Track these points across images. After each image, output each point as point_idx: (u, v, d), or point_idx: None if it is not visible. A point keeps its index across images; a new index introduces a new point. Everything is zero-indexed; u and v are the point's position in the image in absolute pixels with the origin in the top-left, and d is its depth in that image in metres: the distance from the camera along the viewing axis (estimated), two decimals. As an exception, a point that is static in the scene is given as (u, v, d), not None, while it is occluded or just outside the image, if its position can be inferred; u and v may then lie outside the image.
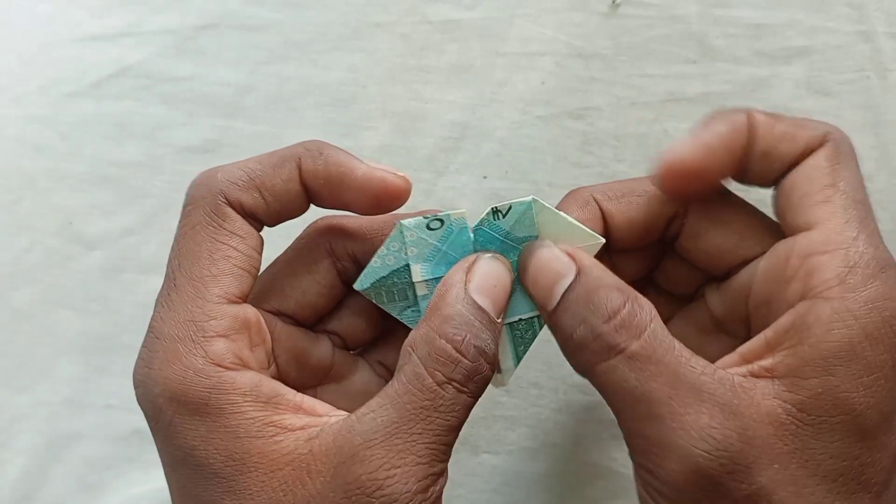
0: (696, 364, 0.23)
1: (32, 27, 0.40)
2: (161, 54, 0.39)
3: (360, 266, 0.28)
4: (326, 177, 0.26)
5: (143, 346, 0.25)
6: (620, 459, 0.36)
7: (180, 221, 0.26)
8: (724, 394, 0.22)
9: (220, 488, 0.23)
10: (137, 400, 0.25)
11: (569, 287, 0.25)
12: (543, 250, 0.26)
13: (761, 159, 0.25)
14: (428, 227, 0.27)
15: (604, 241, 0.27)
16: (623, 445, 0.36)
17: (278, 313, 0.28)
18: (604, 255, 0.28)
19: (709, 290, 0.29)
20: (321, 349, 0.29)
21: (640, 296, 0.24)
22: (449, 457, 0.24)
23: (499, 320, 0.25)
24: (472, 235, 0.27)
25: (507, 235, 0.27)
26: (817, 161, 0.25)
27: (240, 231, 0.25)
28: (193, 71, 0.39)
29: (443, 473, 0.24)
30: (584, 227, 0.27)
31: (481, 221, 0.27)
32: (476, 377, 0.24)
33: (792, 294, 0.24)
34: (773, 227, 0.27)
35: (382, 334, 0.31)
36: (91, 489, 0.37)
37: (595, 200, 0.27)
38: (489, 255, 0.26)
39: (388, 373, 0.30)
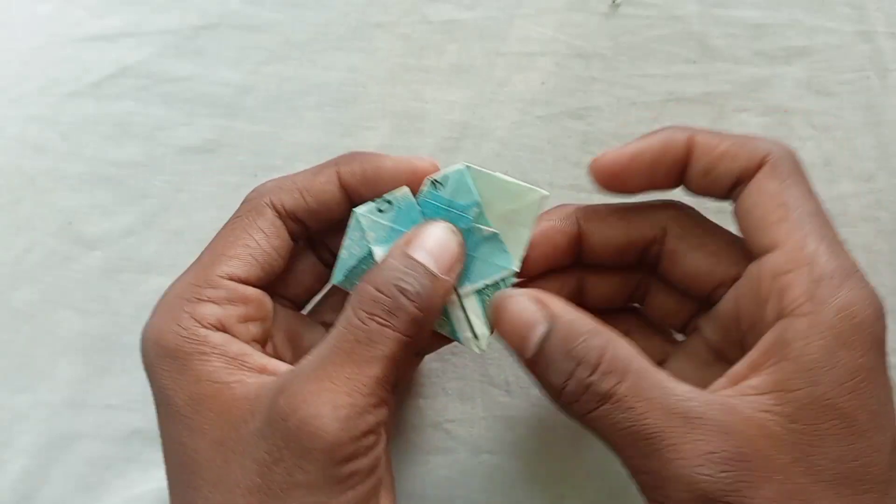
0: (682, 392, 0.24)
1: (32, 27, 0.40)
2: (161, 54, 0.39)
3: (331, 251, 0.31)
4: (362, 172, 0.29)
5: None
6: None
7: (232, 215, 0.29)
8: (714, 415, 0.23)
9: (180, 425, 0.26)
10: (140, 350, 0.28)
11: (544, 336, 0.25)
12: (512, 300, 0.27)
13: (703, 176, 0.27)
14: (379, 211, 0.29)
15: (546, 193, 0.28)
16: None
17: (275, 294, 0.30)
18: (581, 277, 0.30)
19: (703, 321, 0.29)
20: (313, 334, 0.31)
21: (615, 336, 0.25)
22: (379, 394, 0.25)
23: (444, 276, 0.27)
24: (419, 209, 0.28)
25: (451, 204, 0.28)
26: (764, 183, 0.26)
27: (267, 228, 0.28)
28: (193, 71, 0.39)
29: (370, 409, 0.24)
30: (521, 182, 0.28)
31: (424, 194, 0.28)
32: (398, 311, 0.25)
33: (770, 314, 0.24)
34: (746, 249, 0.27)
35: (329, 293, 0.33)
36: (91, 489, 0.37)
37: (576, 217, 0.29)
38: (434, 222, 0.28)
39: None
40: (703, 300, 0.29)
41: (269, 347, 0.30)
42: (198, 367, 0.26)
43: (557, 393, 0.25)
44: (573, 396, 0.24)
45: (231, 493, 0.24)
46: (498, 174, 0.28)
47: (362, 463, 0.24)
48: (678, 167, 0.27)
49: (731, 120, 0.38)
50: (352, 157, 0.29)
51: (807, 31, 0.38)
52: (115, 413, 0.38)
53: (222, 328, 0.27)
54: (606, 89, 0.38)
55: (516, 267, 0.28)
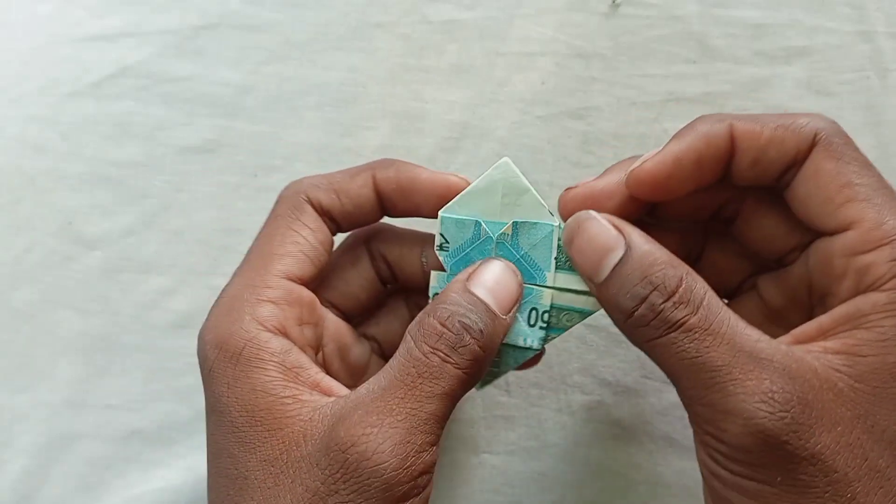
0: (752, 333, 0.24)
1: (32, 27, 0.40)
2: (161, 54, 0.39)
3: (391, 267, 0.31)
4: (398, 181, 0.29)
5: (212, 307, 0.28)
6: (620, 459, 0.36)
7: (270, 213, 0.29)
8: (782, 359, 0.23)
9: (233, 437, 0.25)
10: (197, 351, 0.27)
11: (619, 261, 0.25)
12: (591, 222, 0.26)
13: (751, 167, 0.26)
14: (458, 224, 0.29)
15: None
16: (622, 445, 0.37)
17: (328, 304, 0.30)
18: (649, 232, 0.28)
19: (763, 281, 0.29)
20: (361, 349, 0.31)
21: (691, 269, 0.25)
22: (436, 432, 0.25)
23: (503, 316, 0.27)
24: (494, 244, 0.28)
25: (525, 258, 0.28)
26: (820, 165, 0.25)
27: (312, 224, 0.28)
28: (193, 71, 0.39)
29: (427, 448, 0.24)
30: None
31: (501, 236, 0.28)
32: (460, 348, 0.25)
33: (845, 291, 0.25)
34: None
35: (382, 311, 0.33)
36: (91, 489, 0.37)
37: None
38: (500, 261, 0.28)
39: (381, 349, 0.32)
40: (771, 262, 0.29)
41: (319, 357, 0.30)
42: (255, 376, 0.25)
43: (626, 317, 0.25)
44: (642, 321, 0.24)
45: None
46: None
47: (415, 502, 0.24)
48: (724, 162, 0.26)
49: (731, 120, 0.38)
50: (389, 163, 0.29)
51: (807, 31, 0.38)
52: (115, 413, 0.38)
53: (282, 331, 0.26)
54: (606, 89, 0.38)
55: (538, 344, 0.28)
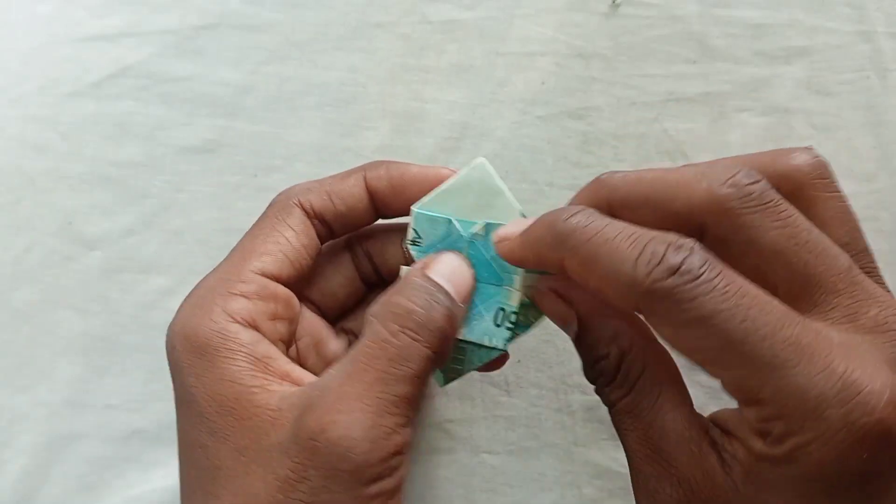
0: (670, 421, 0.24)
1: (32, 27, 0.40)
2: (161, 54, 0.39)
3: (374, 263, 0.31)
4: (389, 178, 0.29)
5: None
6: (620, 459, 0.36)
7: (261, 215, 0.29)
8: (680, 460, 0.24)
9: (203, 427, 0.25)
10: (166, 342, 0.27)
11: (576, 336, 0.27)
12: (544, 296, 0.28)
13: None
14: (430, 219, 0.29)
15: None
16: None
17: (305, 299, 0.30)
18: None
19: None
20: (338, 343, 0.31)
21: (636, 343, 0.26)
22: (407, 413, 0.24)
23: (460, 303, 0.27)
24: (467, 243, 0.28)
25: (495, 259, 0.28)
26: (656, 328, 0.23)
27: (296, 227, 0.28)
28: (193, 71, 0.39)
29: (397, 429, 0.24)
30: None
31: (474, 235, 0.28)
32: (430, 325, 0.25)
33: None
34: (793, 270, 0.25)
35: (361, 308, 0.33)
36: (91, 489, 0.37)
37: (608, 209, 0.26)
38: (451, 252, 0.28)
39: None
40: None
41: (292, 350, 0.30)
42: (223, 366, 0.25)
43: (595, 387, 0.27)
44: (598, 393, 0.26)
45: None
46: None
47: (388, 483, 0.24)
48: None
49: (731, 120, 0.38)
50: (378, 163, 0.30)
51: (807, 31, 0.38)
52: (115, 413, 0.38)
53: (252, 324, 0.27)
54: (606, 89, 0.38)
55: (503, 345, 0.29)
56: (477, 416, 0.37)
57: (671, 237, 0.22)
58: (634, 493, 0.25)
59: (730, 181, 0.23)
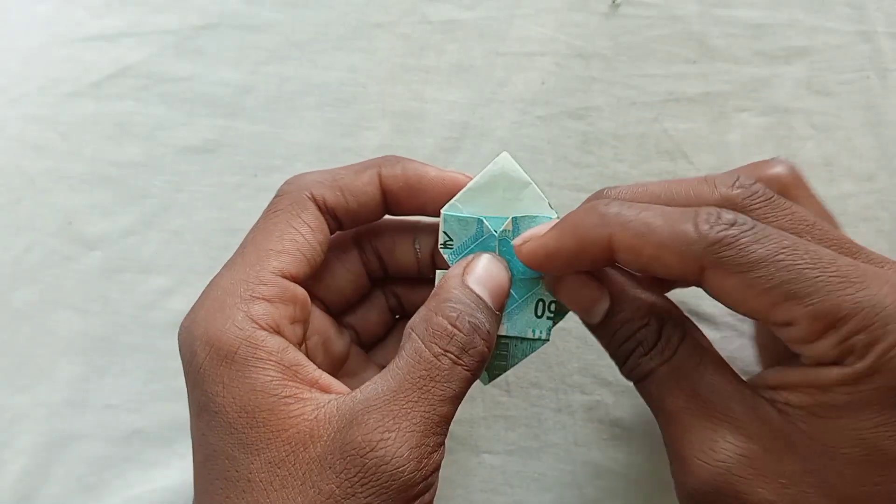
0: (716, 381, 0.25)
1: (32, 27, 0.40)
2: (161, 54, 0.39)
3: (382, 260, 0.31)
4: (405, 179, 0.28)
5: (198, 298, 0.27)
6: (620, 459, 0.36)
7: (268, 207, 0.28)
8: (735, 411, 0.24)
9: (231, 438, 0.24)
10: (179, 344, 0.26)
11: (608, 312, 0.27)
12: (571, 278, 0.27)
13: (638, 270, 0.27)
14: (459, 221, 0.29)
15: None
16: (622, 445, 0.37)
17: (314, 296, 0.30)
18: None
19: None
20: (342, 340, 0.31)
21: (671, 313, 0.26)
22: (445, 432, 0.25)
23: (497, 311, 0.27)
24: (497, 242, 0.28)
25: None
26: (724, 284, 0.24)
27: (312, 223, 0.28)
28: (193, 71, 0.39)
29: (437, 448, 0.25)
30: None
31: (504, 232, 0.28)
32: (471, 350, 0.25)
33: (806, 359, 0.25)
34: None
35: (388, 339, 0.33)
36: (91, 489, 0.37)
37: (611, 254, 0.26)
38: (489, 254, 0.28)
39: None
40: None
41: (303, 349, 0.29)
42: (254, 376, 0.24)
43: (618, 364, 0.27)
44: (628, 372, 0.27)
45: None
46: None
47: (426, 498, 0.25)
48: (605, 263, 0.26)
49: (731, 120, 0.38)
50: (395, 160, 0.29)
51: (807, 31, 0.38)
52: (115, 413, 0.38)
53: (276, 329, 0.26)
54: (606, 89, 0.38)
55: (547, 335, 0.29)
56: (477, 416, 0.37)
57: (711, 207, 0.24)
58: (679, 455, 0.25)
59: (736, 183, 0.25)
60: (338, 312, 0.32)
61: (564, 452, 0.37)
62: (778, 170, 0.28)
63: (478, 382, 0.27)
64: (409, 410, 0.24)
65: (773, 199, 0.25)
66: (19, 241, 0.39)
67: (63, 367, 0.38)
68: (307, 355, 0.29)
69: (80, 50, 0.39)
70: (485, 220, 0.28)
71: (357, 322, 0.32)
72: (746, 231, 0.23)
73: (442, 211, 0.28)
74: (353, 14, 0.39)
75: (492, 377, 0.29)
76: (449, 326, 0.25)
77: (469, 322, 0.25)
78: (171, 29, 0.39)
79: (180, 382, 0.38)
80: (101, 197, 0.39)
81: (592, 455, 0.37)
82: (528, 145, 0.38)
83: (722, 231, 0.23)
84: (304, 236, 0.27)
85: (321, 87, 0.39)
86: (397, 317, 0.33)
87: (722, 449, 0.24)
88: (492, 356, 0.28)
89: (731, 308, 0.24)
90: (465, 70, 0.38)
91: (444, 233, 0.28)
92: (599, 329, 0.27)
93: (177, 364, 0.38)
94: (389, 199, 0.29)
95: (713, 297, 0.24)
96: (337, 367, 0.31)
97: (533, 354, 0.30)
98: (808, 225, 0.25)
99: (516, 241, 0.27)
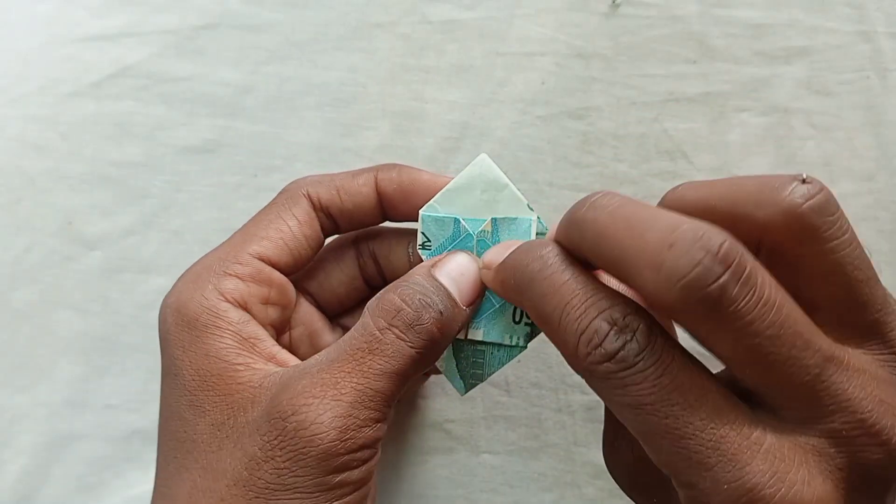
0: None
1: (32, 27, 0.40)
2: (161, 54, 0.39)
3: (379, 264, 0.31)
4: (399, 182, 0.29)
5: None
6: (620, 459, 0.36)
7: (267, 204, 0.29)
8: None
9: (185, 400, 0.26)
10: (159, 316, 0.28)
11: None
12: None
13: None
14: (437, 221, 0.29)
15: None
16: (623, 445, 0.37)
17: (304, 291, 0.31)
18: None
19: None
20: (333, 336, 0.31)
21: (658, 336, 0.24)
22: (383, 409, 0.25)
23: (463, 307, 0.27)
24: (475, 240, 0.28)
25: None
26: None
27: (301, 217, 0.29)
28: (193, 71, 0.39)
29: (371, 424, 0.24)
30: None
31: (482, 233, 0.28)
32: (417, 327, 0.25)
33: None
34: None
35: (360, 307, 0.33)
36: (91, 489, 0.37)
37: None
38: (462, 252, 0.28)
39: None
40: None
41: (285, 338, 0.30)
42: (209, 342, 0.26)
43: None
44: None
45: (217, 482, 0.24)
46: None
47: (353, 475, 0.24)
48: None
49: (731, 120, 0.38)
50: (391, 166, 0.30)
51: (807, 31, 0.38)
52: (115, 413, 0.38)
53: (243, 305, 0.27)
54: (606, 89, 0.38)
55: (524, 342, 0.28)
56: (477, 416, 0.37)
57: (618, 312, 0.21)
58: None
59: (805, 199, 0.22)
60: (332, 312, 0.32)
61: (564, 452, 0.37)
62: (791, 200, 0.21)
63: (456, 394, 0.27)
64: (339, 380, 0.24)
65: (721, 301, 0.19)
66: (19, 241, 0.39)
67: (63, 367, 0.38)
68: (290, 343, 0.30)
69: (80, 50, 0.39)
70: (462, 221, 0.28)
71: (352, 322, 0.32)
72: (617, 372, 0.20)
73: (420, 212, 0.29)
74: (353, 14, 0.39)
75: (468, 386, 0.29)
76: (398, 301, 0.25)
77: (420, 300, 0.25)
78: (171, 29, 0.39)
79: (180, 382, 0.38)
80: (101, 197, 0.39)
81: (592, 455, 0.37)
82: (528, 145, 0.38)
83: (594, 364, 0.21)
84: (290, 228, 0.28)
85: (321, 87, 0.39)
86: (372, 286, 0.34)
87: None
88: (468, 364, 0.28)
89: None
90: (465, 70, 0.38)
91: (422, 233, 0.29)
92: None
93: (177, 364, 0.38)
94: (385, 203, 0.29)
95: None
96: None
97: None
98: (855, 264, 0.21)
99: (480, 264, 0.27)
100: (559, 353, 0.26)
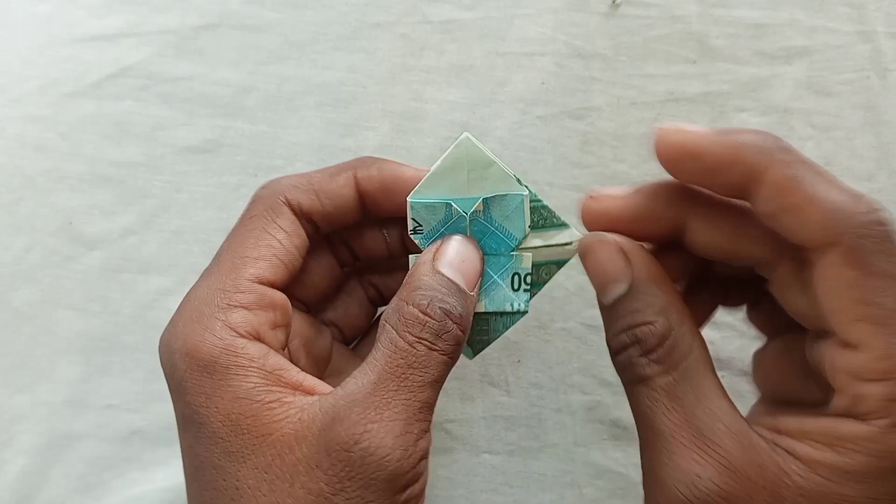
0: (718, 408, 0.23)
1: (32, 27, 0.40)
2: (161, 54, 0.39)
3: (351, 249, 0.31)
4: (381, 180, 0.28)
5: (176, 310, 0.27)
6: (620, 459, 0.36)
7: (242, 215, 0.28)
8: (728, 446, 0.23)
9: (217, 448, 0.24)
10: (160, 358, 0.26)
11: (621, 296, 0.25)
12: (601, 248, 0.26)
13: (766, 218, 0.24)
14: (426, 207, 0.28)
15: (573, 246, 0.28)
16: (622, 445, 0.37)
17: (291, 297, 0.29)
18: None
19: (808, 336, 0.27)
20: (323, 339, 0.31)
21: (686, 321, 0.25)
22: (429, 418, 0.25)
23: (471, 292, 0.27)
24: (467, 222, 0.28)
25: (500, 229, 0.28)
26: (839, 268, 0.22)
27: (288, 227, 0.27)
28: (193, 71, 0.39)
29: (423, 435, 0.24)
30: (565, 241, 0.28)
31: (475, 213, 0.28)
32: (444, 335, 0.25)
33: (839, 406, 0.23)
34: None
35: (371, 332, 0.33)
36: (91, 489, 0.37)
37: (681, 208, 0.26)
38: (460, 236, 0.28)
39: None
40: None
41: (285, 353, 0.29)
42: (236, 384, 0.24)
43: (611, 354, 0.26)
44: (620, 365, 0.26)
45: None
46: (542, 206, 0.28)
47: (416, 488, 0.24)
48: (741, 190, 0.24)
49: (731, 120, 0.38)
50: (370, 162, 0.29)
51: (807, 31, 0.38)
52: (115, 413, 0.38)
53: (256, 336, 0.26)
54: (606, 89, 0.38)
55: (525, 307, 0.28)
56: (477, 416, 0.37)
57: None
58: (656, 476, 0.24)
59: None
60: (317, 309, 0.31)
61: (564, 452, 0.37)
62: (827, 233, 0.22)
63: (463, 358, 0.28)
64: (389, 400, 0.24)
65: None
66: (19, 241, 0.39)
67: (63, 367, 0.38)
68: (290, 359, 0.29)
69: (80, 50, 0.39)
70: (454, 204, 0.28)
71: (338, 318, 0.32)
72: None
73: (408, 198, 0.28)
74: (353, 14, 0.39)
75: (475, 351, 0.29)
76: (420, 315, 0.25)
77: (440, 308, 0.25)
78: (171, 29, 0.39)
79: (180, 382, 0.38)
80: (101, 197, 0.39)
81: (592, 455, 0.37)
82: (528, 145, 0.38)
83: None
84: (280, 242, 0.27)
85: (321, 87, 0.39)
86: (379, 309, 0.33)
87: (704, 485, 0.23)
88: (473, 332, 0.28)
89: (792, 306, 0.24)
90: (465, 70, 0.38)
91: (413, 219, 0.28)
92: (607, 311, 0.26)
93: (177, 364, 0.38)
94: (366, 201, 0.29)
95: (789, 287, 0.24)
96: (322, 368, 0.31)
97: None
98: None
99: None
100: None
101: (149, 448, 0.37)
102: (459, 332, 0.26)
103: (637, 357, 0.25)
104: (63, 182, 0.39)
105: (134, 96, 0.39)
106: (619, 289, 0.25)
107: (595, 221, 0.27)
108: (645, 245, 0.27)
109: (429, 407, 0.25)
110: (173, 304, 0.38)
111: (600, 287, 0.26)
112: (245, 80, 0.39)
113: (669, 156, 0.25)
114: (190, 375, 0.25)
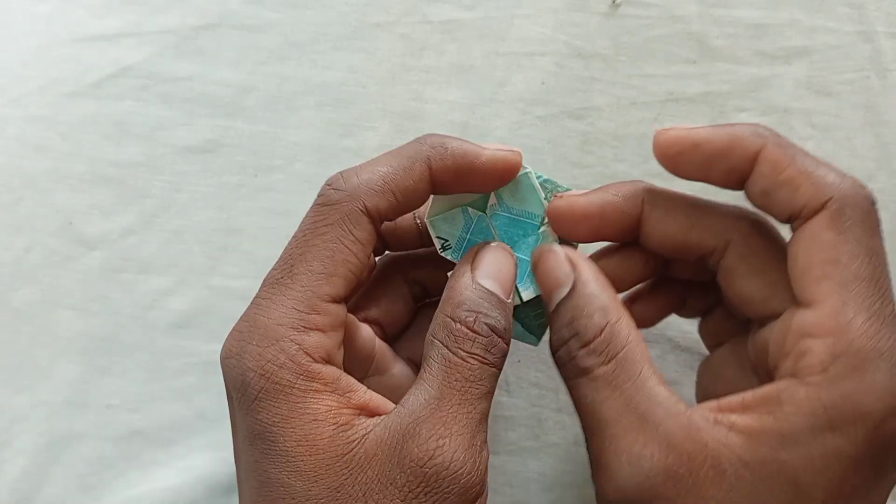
0: (657, 393, 0.24)
1: (32, 27, 0.40)
2: (161, 54, 0.39)
3: (381, 234, 0.29)
4: (455, 169, 0.27)
5: (242, 319, 0.26)
6: (620, 459, 0.36)
7: (314, 215, 0.27)
8: (670, 426, 0.24)
9: (288, 467, 0.24)
10: (225, 369, 0.26)
11: (563, 298, 0.27)
12: (549, 256, 0.28)
13: (761, 196, 0.26)
14: (446, 221, 0.29)
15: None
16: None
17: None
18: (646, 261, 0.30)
19: (751, 329, 0.28)
20: (364, 336, 0.30)
21: (623, 317, 0.26)
22: (486, 429, 0.26)
23: (508, 300, 0.27)
24: (488, 221, 0.29)
25: (521, 213, 0.29)
26: (818, 230, 0.24)
27: (364, 239, 0.27)
28: (193, 71, 0.39)
29: (484, 446, 0.25)
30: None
31: (491, 207, 0.29)
32: (492, 349, 0.26)
33: (783, 370, 0.24)
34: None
35: (412, 330, 0.33)
36: (91, 489, 0.37)
37: (641, 199, 0.28)
38: (493, 243, 0.28)
39: (418, 368, 0.31)
40: (752, 322, 0.28)
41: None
42: (313, 408, 0.25)
43: (552, 351, 0.27)
44: (561, 361, 0.27)
45: None
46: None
47: (483, 500, 0.25)
48: (738, 174, 0.26)
49: (730, 120, 0.38)
50: (441, 147, 0.27)
51: (807, 31, 0.38)
52: (115, 413, 0.38)
53: (328, 359, 0.26)
54: (606, 89, 0.38)
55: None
56: (477, 416, 0.37)
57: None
58: (602, 463, 0.25)
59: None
60: (350, 302, 0.31)
61: (564, 452, 0.37)
62: (818, 197, 0.25)
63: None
64: (455, 414, 0.25)
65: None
66: (19, 241, 0.39)
67: (63, 367, 0.38)
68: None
69: (80, 50, 0.39)
70: (469, 208, 0.29)
71: (381, 315, 0.32)
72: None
73: (426, 220, 0.29)
74: (353, 14, 0.39)
75: (539, 336, 0.30)
76: (468, 332, 0.26)
77: (486, 324, 0.26)
78: (171, 29, 0.39)
79: (180, 382, 0.38)
80: (101, 197, 0.39)
81: (592, 455, 0.37)
82: (528, 145, 0.38)
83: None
84: (356, 256, 0.26)
85: (321, 87, 0.39)
86: (419, 304, 0.33)
87: (647, 464, 0.23)
88: (531, 318, 0.29)
89: (741, 291, 0.26)
90: (465, 70, 0.38)
91: (438, 238, 0.29)
92: (553, 314, 0.27)
93: (177, 364, 0.38)
94: (437, 187, 0.28)
95: (737, 272, 0.26)
96: (364, 368, 0.30)
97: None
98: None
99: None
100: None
101: (149, 448, 0.37)
102: (505, 346, 0.26)
103: (577, 349, 0.26)
104: (63, 182, 0.39)
105: (134, 96, 0.39)
106: (562, 292, 0.27)
107: (562, 218, 0.28)
108: (609, 244, 0.29)
109: (485, 418, 0.26)
110: (173, 304, 0.38)
111: (547, 291, 0.28)
112: (245, 80, 0.39)
113: (670, 151, 0.26)
114: (265, 396, 0.25)
